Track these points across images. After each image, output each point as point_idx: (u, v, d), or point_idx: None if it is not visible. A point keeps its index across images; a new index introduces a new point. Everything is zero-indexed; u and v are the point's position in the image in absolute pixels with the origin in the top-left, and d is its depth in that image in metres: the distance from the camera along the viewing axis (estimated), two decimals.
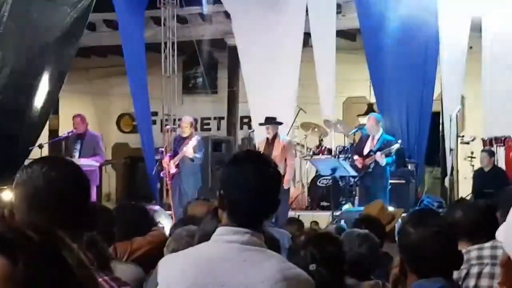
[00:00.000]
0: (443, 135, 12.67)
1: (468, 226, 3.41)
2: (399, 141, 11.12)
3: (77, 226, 2.02)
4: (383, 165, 10.81)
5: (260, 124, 11.61)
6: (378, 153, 10.77)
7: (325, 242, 3.39)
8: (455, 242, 2.70)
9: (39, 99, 12.56)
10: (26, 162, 12.24)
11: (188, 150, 11.29)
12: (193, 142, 11.33)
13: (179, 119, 13.17)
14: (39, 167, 2.07)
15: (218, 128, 16.89)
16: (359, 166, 10.98)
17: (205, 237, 2.91)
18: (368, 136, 11.25)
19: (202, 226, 3.15)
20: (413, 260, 2.64)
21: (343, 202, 12.05)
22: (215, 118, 17.03)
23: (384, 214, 5.52)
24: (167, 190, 12.78)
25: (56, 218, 1.94)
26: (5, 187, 11.81)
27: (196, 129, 16.49)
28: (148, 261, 3.84)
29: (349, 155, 11.93)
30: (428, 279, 2.58)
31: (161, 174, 12.35)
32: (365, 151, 11.06)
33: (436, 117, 13.17)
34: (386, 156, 10.80)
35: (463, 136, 13.01)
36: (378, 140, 11.05)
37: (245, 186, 2.37)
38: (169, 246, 3.41)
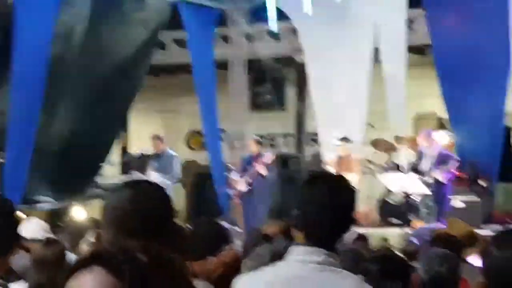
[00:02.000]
0: None
1: None
2: (454, 159, 10.91)
3: (167, 245, 2.06)
4: (442, 181, 10.67)
5: (337, 144, 11.63)
6: (437, 171, 10.61)
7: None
8: None
9: (110, 118, 12.82)
10: (99, 179, 12.55)
11: (261, 166, 11.33)
12: (267, 159, 11.37)
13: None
14: (127, 191, 2.13)
15: (286, 145, 16.87)
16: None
17: (277, 256, 2.90)
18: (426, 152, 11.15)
19: (275, 245, 3.15)
20: (495, 283, 2.51)
21: (413, 218, 11.86)
22: (283, 135, 17.03)
23: (468, 236, 5.34)
24: (236, 208, 12.81)
25: (143, 239, 1.96)
26: (76, 203, 12.11)
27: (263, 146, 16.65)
28: (223, 282, 3.84)
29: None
30: None
31: (229, 192, 12.40)
32: (424, 168, 10.93)
33: (507, 131, 12.88)
34: (446, 172, 10.63)
35: None
36: (435, 157, 10.91)
37: (322, 206, 2.38)
38: (246, 264, 3.39)
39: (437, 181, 10.66)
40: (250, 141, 11.90)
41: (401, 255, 5.35)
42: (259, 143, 11.80)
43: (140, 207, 2.10)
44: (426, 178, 10.74)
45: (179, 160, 12.23)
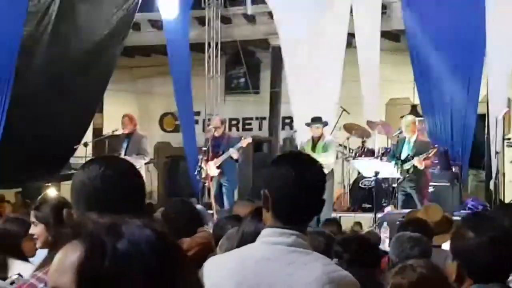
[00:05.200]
0: (488, 138, 12.48)
1: None
2: (436, 145, 10.94)
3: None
4: (422, 168, 10.66)
5: (307, 124, 11.57)
6: (416, 158, 10.60)
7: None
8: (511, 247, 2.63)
9: (84, 98, 12.74)
10: (72, 160, 12.49)
11: (234, 151, 11.28)
12: (242, 143, 11.31)
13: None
14: (97, 167, 2.08)
15: (260, 129, 16.88)
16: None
17: (246, 237, 2.91)
18: (405, 139, 11.10)
19: (242, 227, 3.15)
20: (470, 265, 2.57)
21: (385, 204, 11.95)
22: (257, 118, 17.03)
23: (444, 221, 5.39)
24: (209, 189, 12.81)
25: (115, 214, 1.94)
26: (50, 184, 12.05)
27: (237, 129, 16.63)
28: (197, 263, 3.85)
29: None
30: (486, 285, 2.53)
31: (197, 175, 12.33)
32: (403, 156, 10.92)
33: (481, 119, 12.98)
34: (425, 160, 10.62)
35: (509, 139, 12.81)
36: (414, 143, 10.90)
37: (289, 185, 2.36)
38: (222, 246, 3.41)
39: (415, 168, 10.66)
40: (215, 121, 11.81)
41: (370, 239, 5.41)
42: (222, 123, 11.74)
43: (111, 182, 2.05)
44: (405, 166, 10.74)
45: (148, 140, 12.15)
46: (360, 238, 4.03)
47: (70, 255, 1.16)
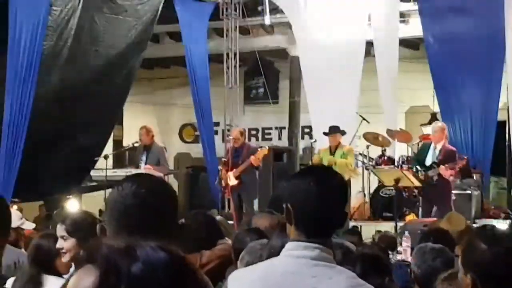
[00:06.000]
0: (509, 145, 12.41)
1: None
2: (465, 157, 10.70)
3: (169, 240, 2.04)
4: (447, 177, 10.46)
5: (325, 134, 11.57)
6: (443, 167, 10.39)
7: None
8: None
9: (104, 110, 12.82)
10: (92, 172, 12.56)
11: (255, 158, 11.29)
12: (258, 154, 11.32)
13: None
14: (129, 185, 2.11)
15: (279, 138, 16.89)
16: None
17: (273, 252, 2.92)
18: (430, 145, 10.91)
19: (271, 241, 3.16)
20: (485, 277, 2.55)
21: (407, 213, 11.89)
22: (276, 128, 17.05)
23: (467, 231, 5.34)
24: (229, 200, 12.82)
25: (146, 233, 1.96)
26: (71, 196, 12.12)
27: (256, 139, 16.65)
28: (216, 276, 3.87)
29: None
30: None
31: (217, 186, 12.34)
32: (427, 162, 10.73)
33: (502, 126, 12.91)
34: (451, 169, 10.41)
35: None
36: (440, 150, 10.70)
37: (312, 199, 2.37)
38: (243, 259, 3.41)
39: (440, 176, 10.45)
40: (235, 132, 11.86)
41: (383, 250, 5.39)
42: (242, 134, 11.77)
43: (142, 202, 2.08)
44: (430, 173, 10.54)
45: (167, 151, 12.20)
46: (369, 251, 4.00)
47: (85, 280, 1.15)
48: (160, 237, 1.94)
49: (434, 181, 10.52)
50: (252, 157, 11.29)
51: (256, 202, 12.29)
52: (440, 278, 2.99)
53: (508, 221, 9.93)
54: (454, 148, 11.04)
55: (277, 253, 2.46)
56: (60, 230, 3.46)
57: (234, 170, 11.49)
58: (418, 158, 11.06)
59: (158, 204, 2.10)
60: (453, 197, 11.44)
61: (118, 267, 1.14)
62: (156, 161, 11.54)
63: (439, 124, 11.18)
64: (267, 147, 11.87)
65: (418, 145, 11.91)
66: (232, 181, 11.52)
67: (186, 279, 1.17)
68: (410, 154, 12.95)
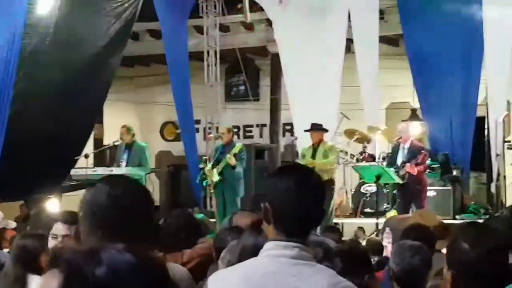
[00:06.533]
0: (488, 140, 12.50)
1: None
2: (423, 151, 10.84)
3: (144, 241, 2.04)
4: (414, 174, 10.61)
5: (306, 131, 11.58)
6: (408, 165, 10.58)
7: None
8: (507, 257, 2.63)
9: (84, 109, 12.75)
10: (73, 171, 12.50)
11: (230, 157, 11.31)
12: (235, 149, 11.35)
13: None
14: (103, 186, 2.11)
15: (261, 136, 16.90)
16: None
17: (245, 251, 2.92)
18: (399, 145, 11.10)
19: (242, 241, 3.15)
20: (466, 277, 2.56)
21: (388, 209, 11.94)
22: (257, 126, 17.06)
23: (439, 227, 5.35)
24: (211, 198, 12.82)
25: (121, 234, 1.95)
26: (51, 196, 12.06)
27: (238, 137, 16.63)
28: (198, 274, 3.88)
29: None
30: None
31: (204, 183, 12.35)
32: (398, 162, 10.92)
33: (481, 122, 13.00)
34: (417, 165, 10.58)
35: (509, 141, 12.82)
36: (408, 149, 10.90)
37: (290, 198, 2.37)
38: (224, 258, 3.40)
39: (409, 174, 10.64)
40: (222, 129, 11.93)
41: (365, 248, 5.41)
42: (230, 131, 11.81)
43: (116, 203, 2.07)
44: (400, 172, 10.72)
45: (149, 150, 12.17)
46: (350, 249, 4.01)
47: (50, 283, 1.15)
48: (135, 238, 1.95)
49: (405, 179, 10.69)
50: (227, 156, 11.32)
51: (238, 199, 12.28)
52: (431, 274, 3.00)
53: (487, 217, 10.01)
54: (421, 145, 11.20)
55: (248, 253, 2.46)
56: (63, 229, 3.47)
57: (217, 167, 11.55)
58: (389, 161, 11.30)
59: (132, 205, 2.09)
60: (433, 193, 11.54)
61: (82, 271, 1.14)
62: (138, 160, 11.50)
63: (403, 124, 11.51)
64: (241, 144, 11.91)
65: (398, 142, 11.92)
66: (215, 177, 11.55)
67: (154, 281, 1.17)
68: (390, 151, 13.01)
